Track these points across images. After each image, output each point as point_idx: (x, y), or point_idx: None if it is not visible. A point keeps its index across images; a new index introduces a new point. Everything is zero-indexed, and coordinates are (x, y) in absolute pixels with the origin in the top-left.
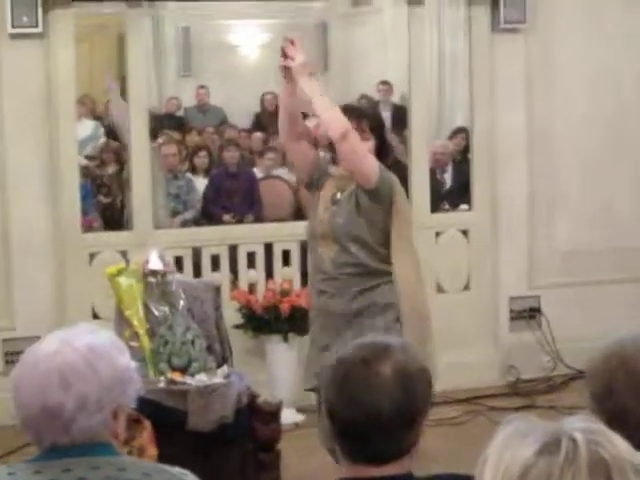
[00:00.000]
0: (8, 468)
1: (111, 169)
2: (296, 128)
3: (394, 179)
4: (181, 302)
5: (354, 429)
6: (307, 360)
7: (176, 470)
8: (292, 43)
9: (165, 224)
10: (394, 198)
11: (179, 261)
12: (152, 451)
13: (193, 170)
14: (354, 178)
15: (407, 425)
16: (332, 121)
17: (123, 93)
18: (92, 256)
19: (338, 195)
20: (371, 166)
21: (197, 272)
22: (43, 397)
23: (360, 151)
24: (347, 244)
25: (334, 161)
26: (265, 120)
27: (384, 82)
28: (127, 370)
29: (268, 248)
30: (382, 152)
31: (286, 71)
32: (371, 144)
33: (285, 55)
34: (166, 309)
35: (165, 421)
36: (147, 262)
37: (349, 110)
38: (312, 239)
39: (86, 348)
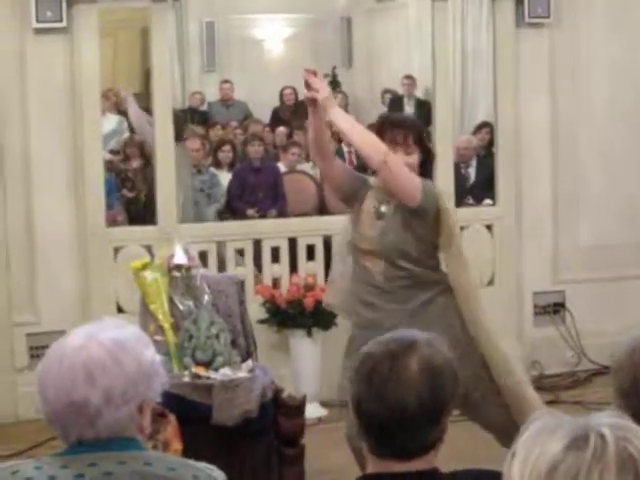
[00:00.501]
0: (35, 462)
1: (135, 163)
2: (327, 150)
3: (437, 192)
4: (206, 296)
5: (379, 424)
6: (345, 370)
7: (202, 465)
8: (314, 74)
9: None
10: (439, 214)
11: (203, 256)
12: (177, 445)
13: (217, 165)
14: (398, 197)
15: (432, 420)
16: (370, 151)
17: (147, 89)
18: (117, 250)
19: (382, 208)
20: (414, 186)
21: (221, 267)
22: (69, 392)
23: (402, 173)
24: (396, 260)
25: (374, 172)
26: (283, 115)
27: (408, 76)
28: (153, 364)
29: (292, 243)
30: (427, 162)
31: (312, 102)
32: (416, 157)
33: (309, 86)
34: (191, 303)
35: (190, 415)
36: (172, 256)
37: (394, 124)
38: (355, 251)
39: (111, 342)
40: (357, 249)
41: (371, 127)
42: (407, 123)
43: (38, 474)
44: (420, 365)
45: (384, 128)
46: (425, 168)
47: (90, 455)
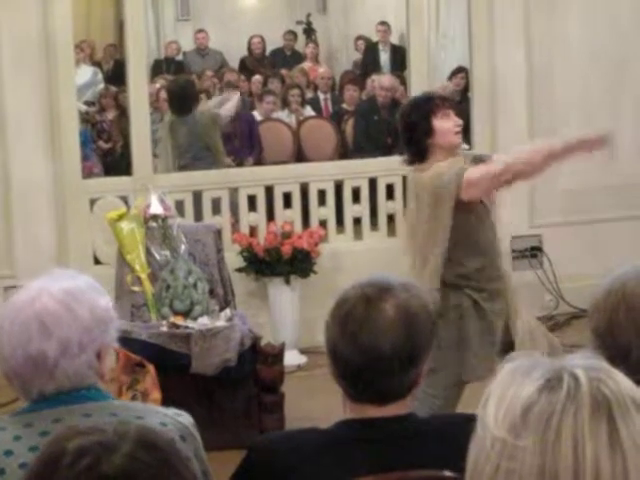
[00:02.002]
0: None
1: (111, 114)
2: None
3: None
4: (182, 246)
5: (355, 368)
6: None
7: (170, 411)
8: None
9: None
10: None
11: (180, 205)
12: (156, 395)
13: None
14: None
15: (409, 364)
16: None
17: (121, 41)
18: (93, 202)
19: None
20: None
21: (198, 216)
22: (24, 347)
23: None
24: None
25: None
26: (250, 64)
27: (382, 23)
28: (107, 310)
29: (269, 191)
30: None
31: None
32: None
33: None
34: (167, 253)
35: (168, 365)
36: (148, 207)
37: (434, 95)
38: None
39: (63, 293)
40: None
41: (347, 74)
42: (442, 95)
43: (3, 435)
44: (395, 309)
45: (429, 100)
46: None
47: (53, 410)
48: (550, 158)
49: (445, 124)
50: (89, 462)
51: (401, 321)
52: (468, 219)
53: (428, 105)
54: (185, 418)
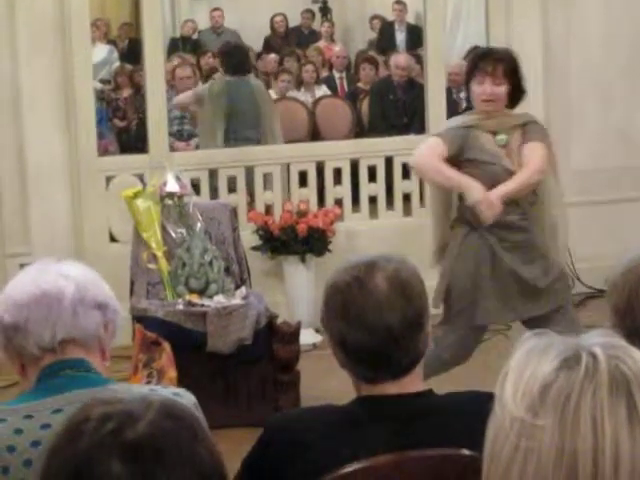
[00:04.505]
0: None
1: (126, 92)
2: None
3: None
4: (198, 224)
5: (369, 351)
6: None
7: (168, 391)
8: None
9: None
10: None
11: (195, 183)
12: (172, 373)
13: None
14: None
15: (416, 329)
16: (531, 184)
17: (137, 18)
18: (108, 180)
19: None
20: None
21: (214, 194)
22: (41, 283)
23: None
24: None
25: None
26: (275, 43)
27: (398, 2)
28: (114, 299)
29: (285, 169)
30: (515, 96)
31: None
32: (504, 89)
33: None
34: (183, 231)
35: (184, 343)
36: (164, 184)
37: (487, 55)
38: None
39: (82, 267)
40: None
41: (362, 52)
42: (498, 54)
43: (3, 428)
44: (388, 281)
45: (478, 59)
46: (513, 102)
47: (52, 399)
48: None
49: (476, 89)
50: (113, 427)
51: (397, 290)
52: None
53: (472, 64)
54: (187, 398)
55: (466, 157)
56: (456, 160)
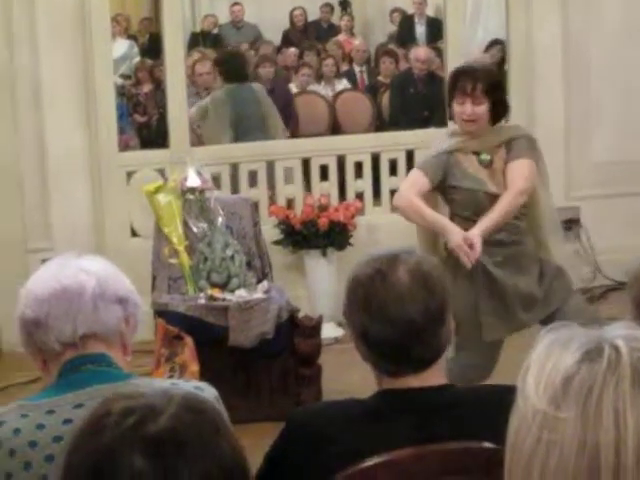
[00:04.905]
0: (20, 409)
1: (146, 88)
2: None
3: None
4: (220, 218)
5: (392, 345)
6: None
7: (189, 385)
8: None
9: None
10: None
11: (216, 178)
12: (194, 367)
13: None
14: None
15: (439, 323)
16: (513, 209)
17: (156, 13)
18: (129, 175)
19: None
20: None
21: (235, 188)
22: (62, 278)
23: (531, 177)
24: None
25: None
26: (293, 37)
27: None
28: (134, 293)
29: (305, 163)
30: (497, 112)
31: None
32: (484, 107)
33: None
34: (205, 226)
35: (206, 337)
36: (185, 179)
37: (465, 73)
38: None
39: (103, 262)
40: None
41: (382, 46)
42: (477, 73)
43: (25, 423)
44: (410, 274)
45: (456, 77)
46: (495, 118)
47: (74, 394)
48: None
49: (457, 109)
50: (135, 421)
51: (419, 283)
52: None
53: (452, 83)
54: (208, 391)
55: (449, 183)
56: (442, 186)
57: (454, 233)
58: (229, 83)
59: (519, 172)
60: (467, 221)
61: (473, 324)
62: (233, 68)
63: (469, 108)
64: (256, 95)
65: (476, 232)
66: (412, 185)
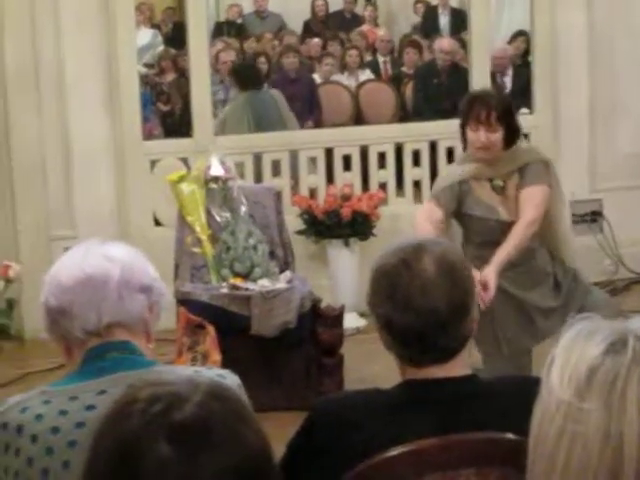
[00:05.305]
0: (42, 396)
1: (170, 77)
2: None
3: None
4: (243, 208)
5: (417, 334)
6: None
7: (212, 372)
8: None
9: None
10: None
11: (240, 167)
12: (216, 356)
13: None
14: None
15: (463, 313)
16: (525, 240)
17: (180, 2)
18: (153, 163)
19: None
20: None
21: (258, 178)
22: (86, 267)
23: (541, 208)
24: None
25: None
26: (315, 27)
27: None
28: (158, 280)
29: (329, 153)
30: (510, 138)
31: None
32: (499, 135)
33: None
34: (228, 215)
35: (229, 326)
36: (208, 168)
37: (479, 101)
38: None
39: (129, 248)
40: None
41: (406, 37)
42: (492, 101)
43: (48, 410)
44: (436, 264)
45: (471, 104)
46: (508, 143)
47: (98, 381)
48: None
49: (471, 136)
50: (161, 409)
51: (444, 273)
52: None
53: (466, 109)
54: (231, 379)
55: (463, 211)
56: (456, 213)
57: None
58: (244, 91)
59: (531, 201)
60: (480, 247)
61: (493, 339)
62: (247, 76)
63: (483, 136)
64: (275, 100)
65: (492, 270)
66: (427, 218)
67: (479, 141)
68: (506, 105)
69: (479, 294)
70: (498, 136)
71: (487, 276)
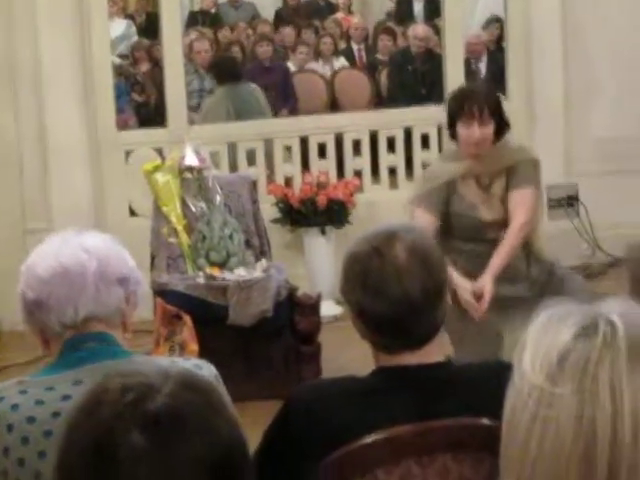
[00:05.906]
0: (18, 386)
1: (144, 67)
2: None
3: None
4: (218, 197)
5: (389, 321)
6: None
7: (189, 363)
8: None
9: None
10: None
11: (215, 156)
12: (193, 346)
13: None
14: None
15: (436, 299)
16: (517, 243)
17: None
18: (128, 154)
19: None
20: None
21: (233, 167)
22: (63, 259)
23: (531, 212)
24: None
25: None
26: (286, 15)
27: None
28: (135, 270)
29: (304, 141)
30: (500, 131)
31: None
32: (491, 128)
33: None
34: (203, 205)
35: (206, 316)
36: (183, 158)
37: (469, 98)
38: None
39: (106, 237)
40: None
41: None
42: (481, 96)
43: (24, 399)
44: (408, 252)
45: (460, 101)
46: (499, 136)
47: (74, 371)
48: None
49: (463, 132)
50: (132, 399)
51: (417, 261)
52: None
53: (457, 105)
54: (207, 369)
55: (447, 209)
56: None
57: (463, 289)
58: (223, 85)
59: (523, 204)
60: (466, 242)
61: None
62: (225, 69)
63: (477, 131)
64: (255, 93)
65: (488, 281)
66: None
67: (473, 137)
68: (496, 98)
69: (472, 305)
70: (490, 130)
71: (484, 287)
